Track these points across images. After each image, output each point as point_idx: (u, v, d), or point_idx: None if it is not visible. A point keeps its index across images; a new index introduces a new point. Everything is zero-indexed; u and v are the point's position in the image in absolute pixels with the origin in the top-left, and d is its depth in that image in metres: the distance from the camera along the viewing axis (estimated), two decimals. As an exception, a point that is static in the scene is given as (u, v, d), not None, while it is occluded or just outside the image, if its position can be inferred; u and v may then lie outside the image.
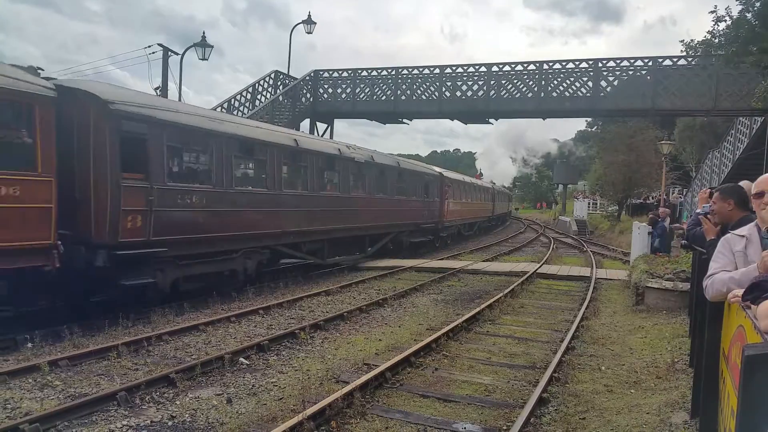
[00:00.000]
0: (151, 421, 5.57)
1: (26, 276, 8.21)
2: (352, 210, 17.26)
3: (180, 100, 18.57)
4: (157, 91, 19.74)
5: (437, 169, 28.37)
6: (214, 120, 12.04)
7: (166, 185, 10.25)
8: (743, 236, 3.50)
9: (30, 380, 6.53)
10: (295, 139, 14.83)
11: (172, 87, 20.14)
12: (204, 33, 20.79)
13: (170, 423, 5.57)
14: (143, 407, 5.94)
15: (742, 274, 3.23)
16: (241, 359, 7.67)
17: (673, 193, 39.10)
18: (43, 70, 9.30)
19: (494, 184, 48.31)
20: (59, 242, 8.36)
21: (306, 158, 15.05)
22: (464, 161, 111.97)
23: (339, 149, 17.12)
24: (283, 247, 14.14)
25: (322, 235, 15.66)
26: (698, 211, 6.84)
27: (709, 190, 6.96)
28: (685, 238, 8.87)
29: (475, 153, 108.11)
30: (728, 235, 3.66)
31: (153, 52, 20.06)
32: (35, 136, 8.07)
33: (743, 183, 5.50)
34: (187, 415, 5.76)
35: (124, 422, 5.50)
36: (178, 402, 6.12)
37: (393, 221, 20.38)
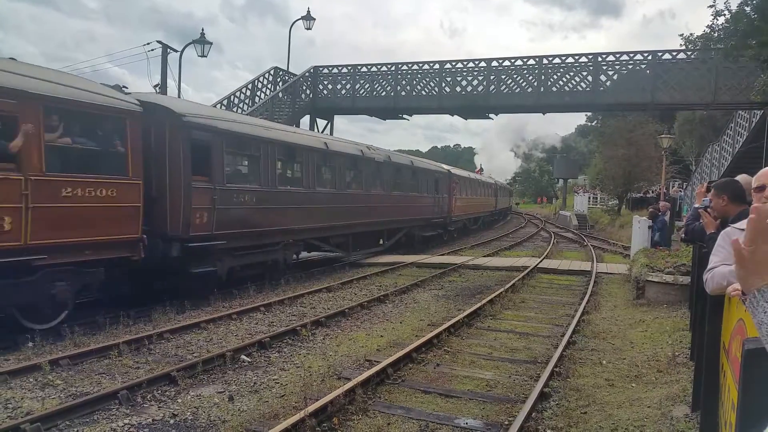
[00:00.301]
0: (153, 420, 5.58)
1: (115, 265, 9.52)
2: (372, 206, 18.55)
3: (179, 97, 18.55)
4: (156, 88, 19.73)
5: (445, 166, 29.67)
6: (262, 128, 13.81)
7: (225, 186, 11.73)
8: (743, 230, 3.49)
9: (31, 379, 6.53)
10: (325, 143, 16.34)
11: (171, 84, 20.17)
12: (203, 30, 20.78)
13: (172, 421, 5.58)
14: (145, 406, 5.95)
15: (729, 271, 3.23)
16: (243, 357, 7.68)
17: (673, 187, 39.06)
18: (126, 87, 10.62)
19: (495, 180, 48.77)
20: (144, 236, 9.72)
21: (334, 159, 16.54)
22: (464, 156, 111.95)
23: (361, 150, 18.57)
24: (314, 240, 15.63)
25: (346, 230, 17.12)
26: (696, 205, 6.85)
27: (706, 184, 6.97)
28: (684, 233, 8.88)
29: (474, 148, 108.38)
30: (728, 228, 3.65)
31: (152, 50, 20.06)
32: (126, 146, 9.46)
33: (741, 177, 5.50)
34: (188, 413, 5.77)
35: (126, 421, 5.51)
36: (179, 400, 6.12)
37: (407, 216, 21.85)
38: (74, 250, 8.69)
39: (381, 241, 20.49)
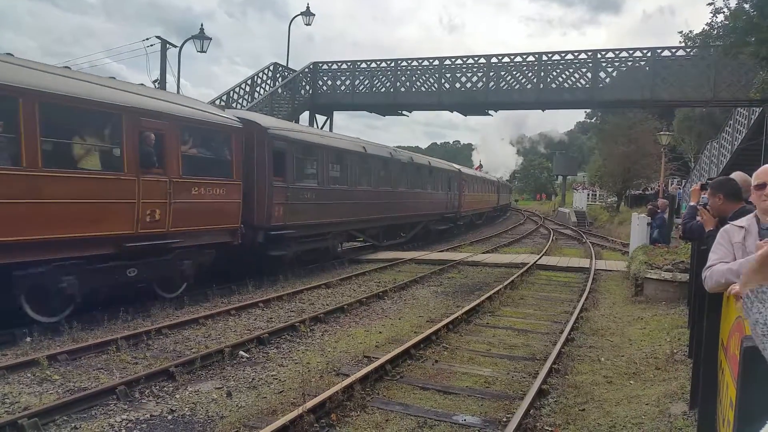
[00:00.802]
0: (151, 415, 5.58)
1: (220, 247, 12.00)
2: (399, 202, 21.27)
3: (178, 92, 18.50)
4: (156, 83, 19.69)
5: (456, 166, 32.35)
6: (318, 136, 17.27)
7: (294, 185, 14.20)
8: (742, 227, 3.49)
9: (29, 375, 6.53)
10: (363, 147, 19.01)
11: (170, 80, 20.14)
12: (202, 25, 20.71)
13: (170, 417, 5.58)
14: (143, 401, 5.95)
15: (740, 266, 3.22)
16: (241, 352, 7.68)
17: (672, 184, 39.09)
18: (226, 107, 13.45)
19: (498, 178, 49.66)
20: (242, 225, 12.26)
21: (370, 161, 19.14)
22: (464, 152, 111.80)
23: (390, 153, 21.42)
24: (355, 231, 18.38)
25: (378, 222, 19.88)
26: (692, 203, 6.86)
27: (701, 183, 6.98)
28: (682, 231, 8.88)
29: (473, 144, 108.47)
30: (727, 225, 3.65)
31: (151, 45, 20.01)
32: (232, 154, 12.03)
33: (736, 174, 5.50)
34: (186, 409, 5.76)
35: (124, 416, 5.51)
36: (177, 396, 6.12)
37: (425, 212, 24.50)
38: (197, 236, 11.27)
39: (402, 234, 22.87)
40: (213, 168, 11.80)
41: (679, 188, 31.50)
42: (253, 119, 13.40)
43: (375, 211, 19.06)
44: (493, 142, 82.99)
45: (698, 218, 6.04)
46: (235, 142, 12.10)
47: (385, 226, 20.54)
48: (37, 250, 8.19)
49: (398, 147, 30.02)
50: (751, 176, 5.65)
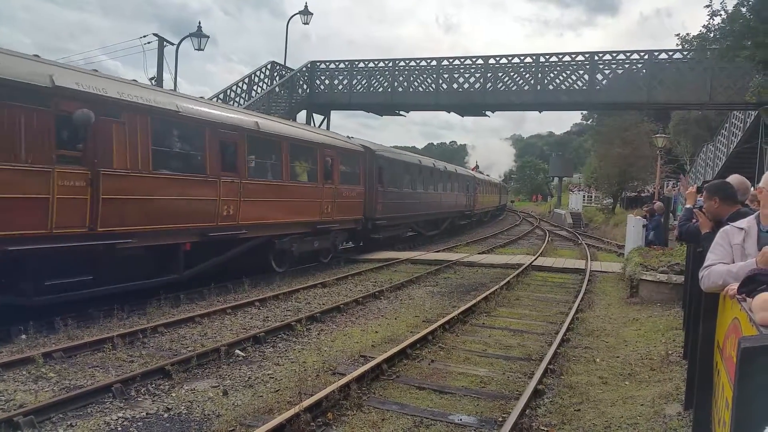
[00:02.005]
0: (147, 413, 5.57)
1: (347, 231, 17.99)
2: (437, 202, 27.36)
3: (175, 89, 18.44)
4: (153, 81, 19.65)
5: (471, 171, 40.68)
6: (403, 153, 24.77)
7: (387, 189, 20.28)
8: (742, 229, 3.51)
9: (24, 372, 6.51)
10: (419, 160, 26.06)
11: (166, 77, 20.02)
12: (200, 23, 20.68)
13: (166, 415, 5.58)
14: (139, 399, 5.94)
15: (740, 268, 3.22)
16: (237, 351, 7.68)
17: (667, 186, 39.18)
18: (352, 137, 19.52)
19: (499, 181, 55.57)
20: (362, 217, 18.10)
21: (423, 171, 25.27)
22: (460, 153, 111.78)
23: (433, 163, 28.30)
24: (413, 224, 24.61)
25: (425, 217, 25.88)
26: (688, 206, 6.91)
27: (696, 186, 7.04)
28: (678, 233, 8.92)
29: (467, 144, 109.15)
30: (727, 227, 3.66)
31: (148, 42, 19.97)
32: (360, 169, 18.26)
33: (733, 177, 5.53)
34: (183, 407, 5.76)
35: (120, 414, 5.50)
36: (173, 394, 6.12)
37: (453, 209, 30.63)
38: (343, 223, 17.00)
39: (429, 229, 28.11)
40: (351, 178, 17.72)
41: (675, 190, 31.49)
42: (367, 145, 19.56)
43: (424, 209, 25.21)
44: (489, 140, 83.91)
45: (694, 220, 6.07)
46: (361, 161, 18.45)
47: (428, 220, 26.70)
48: (283, 228, 14.04)
49: (395, 147, 30.37)
50: (747, 179, 5.70)
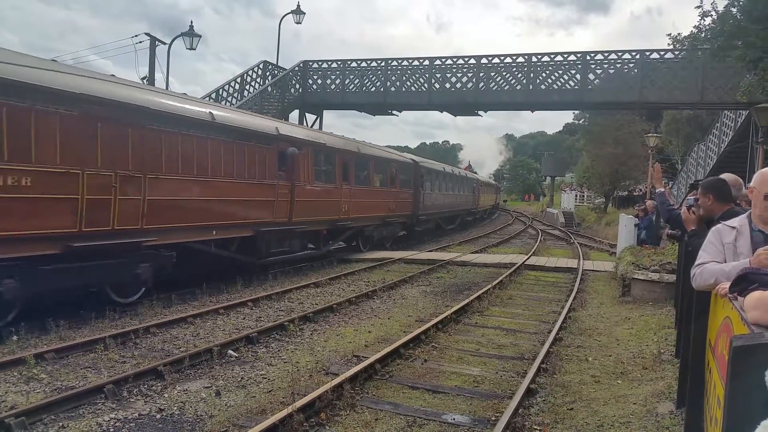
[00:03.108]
0: (139, 414, 5.55)
1: (400, 224, 23.29)
2: (454, 201, 32.92)
3: (167, 89, 18.37)
4: (144, 80, 19.57)
5: (476, 175, 47.11)
6: (432, 163, 29.83)
7: (426, 192, 25.78)
8: (734, 228, 3.52)
9: (15, 373, 6.46)
10: (452, 169, 33.89)
11: (158, 77, 19.98)
12: (191, 22, 20.62)
13: (158, 416, 5.56)
14: (131, 400, 5.92)
15: (732, 268, 3.20)
16: (230, 352, 7.66)
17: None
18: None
19: (496, 183, 59.57)
20: (411, 213, 23.19)
21: (447, 176, 31.19)
22: (453, 153, 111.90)
23: (452, 170, 34.18)
24: (439, 220, 30.20)
25: (448, 214, 31.94)
26: (660, 190, 7.07)
27: (657, 163, 7.34)
28: (665, 220, 9.01)
29: (461, 145, 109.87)
30: (719, 225, 3.66)
31: (140, 42, 19.89)
32: (412, 176, 23.98)
33: (726, 175, 5.56)
34: (175, 408, 5.74)
35: (112, 415, 5.48)
36: (166, 395, 6.10)
37: (463, 208, 35.99)
38: (401, 216, 22.63)
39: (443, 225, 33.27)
40: (405, 184, 23.26)
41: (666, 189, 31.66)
42: (414, 158, 25.97)
43: (447, 207, 31.07)
44: (480, 138, 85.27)
45: (675, 207, 6.16)
46: (411, 170, 24.21)
47: (449, 216, 32.28)
48: (369, 220, 19.64)
49: (388, 146, 30.59)
50: (740, 178, 5.73)
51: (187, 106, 11.28)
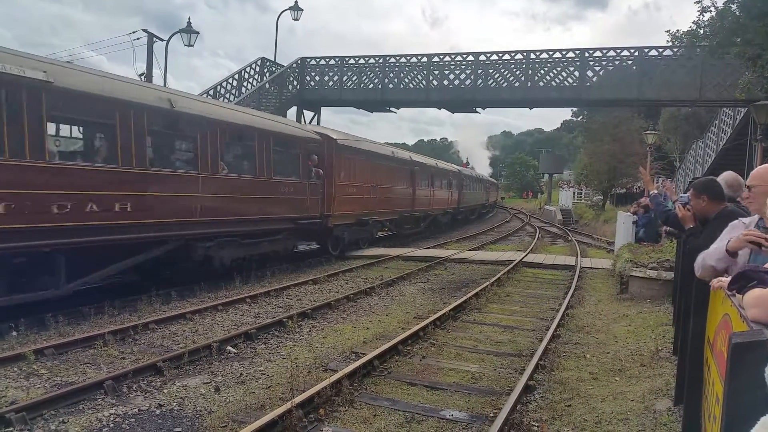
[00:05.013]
0: (139, 410, 5.56)
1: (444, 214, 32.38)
2: (474, 198, 41.00)
3: (164, 85, 18.33)
4: (142, 77, 19.52)
5: (489, 177, 58.89)
6: (466, 170, 42.78)
7: (462, 191, 35.70)
8: (746, 224, 3.55)
9: (15, 369, 6.48)
10: (470, 171, 43.80)
11: (156, 73, 19.93)
12: (189, 19, 20.62)
13: (158, 411, 5.57)
14: (130, 396, 5.93)
15: (713, 250, 3.47)
16: (229, 348, 7.67)
17: (656, 183, 39.36)
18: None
19: (496, 180, 65.43)
20: (456, 206, 34.32)
21: (472, 178, 40.33)
22: (449, 150, 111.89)
23: (478, 175, 46.58)
24: (467, 212, 38.48)
25: (472, 207, 40.54)
26: (654, 192, 7.09)
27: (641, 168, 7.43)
28: (662, 221, 9.03)
29: (454, 141, 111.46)
30: (736, 220, 3.71)
31: (138, 38, 19.85)
32: (458, 180, 35.03)
33: (727, 174, 5.57)
34: (174, 404, 5.75)
35: (112, 411, 5.49)
36: (165, 390, 6.11)
37: (479, 203, 44.02)
38: (440, 210, 30.67)
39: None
40: (452, 185, 32.60)
41: (664, 186, 31.76)
42: (457, 167, 38.61)
43: (471, 202, 39.30)
44: (473, 135, 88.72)
45: (671, 207, 6.20)
46: (458, 176, 34.50)
47: (472, 209, 40.79)
48: (433, 210, 29.24)
49: (386, 143, 30.68)
50: (741, 176, 5.74)
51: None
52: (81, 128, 10.19)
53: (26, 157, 7.93)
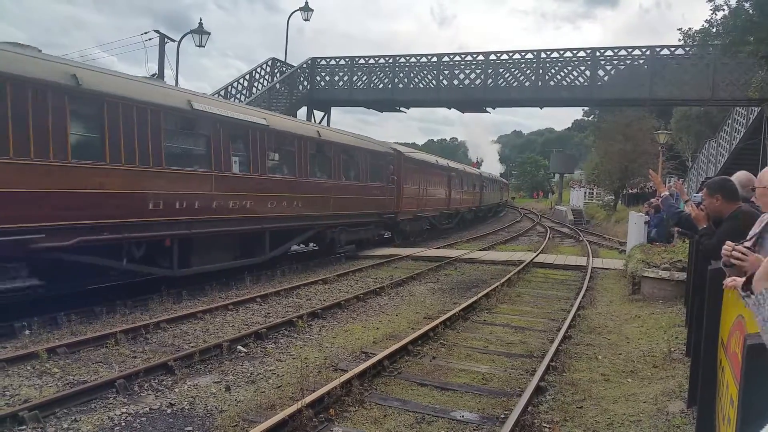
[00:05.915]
0: (150, 409, 5.58)
1: (469, 211, 36.05)
2: (491, 198, 44.42)
3: (176, 85, 18.41)
4: (154, 77, 19.59)
5: (502, 179, 61.31)
6: (485, 173, 47.19)
7: (483, 192, 40.06)
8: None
9: (28, 367, 6.52)
10: (489, 174, 49.40)
11: (167, 74, 20.08)
12: (201, 20, 20.67)
13: (169, 410, 5.59)
14: (142, 395, 5.95)
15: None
16: (239, 347, 7.69)
17: (669, 183, 39.11)
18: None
19: (504, 180, 65.88)
20: (479, 205, 38.26)
21: (491, 179, 46.56)
22: (461, 149, 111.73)
23: (492, 175, 51.07)
24: (485, 210, 42.15)
25: (489, 206, 43.76)
26: (665, 193, 7.03)
27: (652, 170, 7.27)
28: (674, 224, 8.96)
29: (463, 140, 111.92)
30: (765, 215, 3.64)
31: (149, 39, 19.96)
32: (479, 183, 40.20)
33: (741, 173, 5.51)
34: (185, 403, 5.77)
35: (123, 410, 5.51)
36: (176, 390, 6.13)
37: (494, 202, 47.14)
38: (471, 207, 35.86)
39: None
40: (476, 188, 37.51)
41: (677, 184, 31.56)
42: (481, 171, 44.87)
43: (489, 201, 42.58)
44: (481, 135, 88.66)
45: (685, 209, 6.14)
46: (480, 179, 39.11)
47: (489, 207, 44.04)
48: (464, 209, 33.75)
49: (396, 143, 30.54)
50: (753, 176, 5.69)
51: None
52: (285, 154, 14.99)
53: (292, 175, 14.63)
